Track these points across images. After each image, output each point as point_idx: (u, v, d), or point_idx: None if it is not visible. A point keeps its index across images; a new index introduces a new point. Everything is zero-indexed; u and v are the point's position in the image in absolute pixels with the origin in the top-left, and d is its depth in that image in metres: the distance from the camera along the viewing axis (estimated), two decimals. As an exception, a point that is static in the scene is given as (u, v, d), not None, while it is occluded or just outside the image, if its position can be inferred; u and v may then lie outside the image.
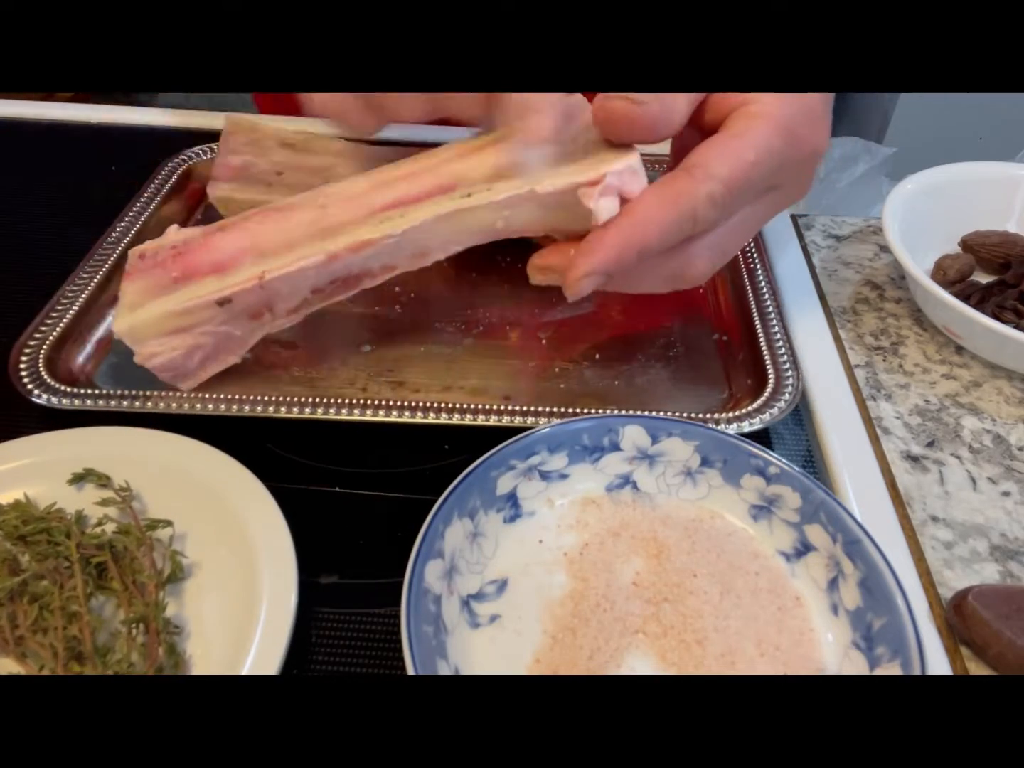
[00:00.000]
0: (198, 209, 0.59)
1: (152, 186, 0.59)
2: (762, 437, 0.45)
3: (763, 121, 0.36)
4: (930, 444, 0.46)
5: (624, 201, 0.39)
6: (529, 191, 0.40)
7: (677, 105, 0.36)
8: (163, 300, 0.43)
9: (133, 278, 0.44)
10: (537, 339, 0.50)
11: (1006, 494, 0.44)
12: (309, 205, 0.44)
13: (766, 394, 0.45)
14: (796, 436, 0.46)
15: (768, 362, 0.47)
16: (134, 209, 0.56)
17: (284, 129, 0.58)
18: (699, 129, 0.39)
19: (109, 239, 0.53)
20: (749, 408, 0.44)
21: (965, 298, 0.53)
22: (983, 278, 0.57)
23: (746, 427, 0.43)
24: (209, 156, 0.62)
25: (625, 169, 0.39)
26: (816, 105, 0.39)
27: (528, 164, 0.41)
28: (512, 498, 0.38)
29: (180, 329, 0.43)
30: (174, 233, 0.45)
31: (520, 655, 0.34)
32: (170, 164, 0.61)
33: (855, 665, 0.34)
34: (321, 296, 0.44)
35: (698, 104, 0.38)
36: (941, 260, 0.57)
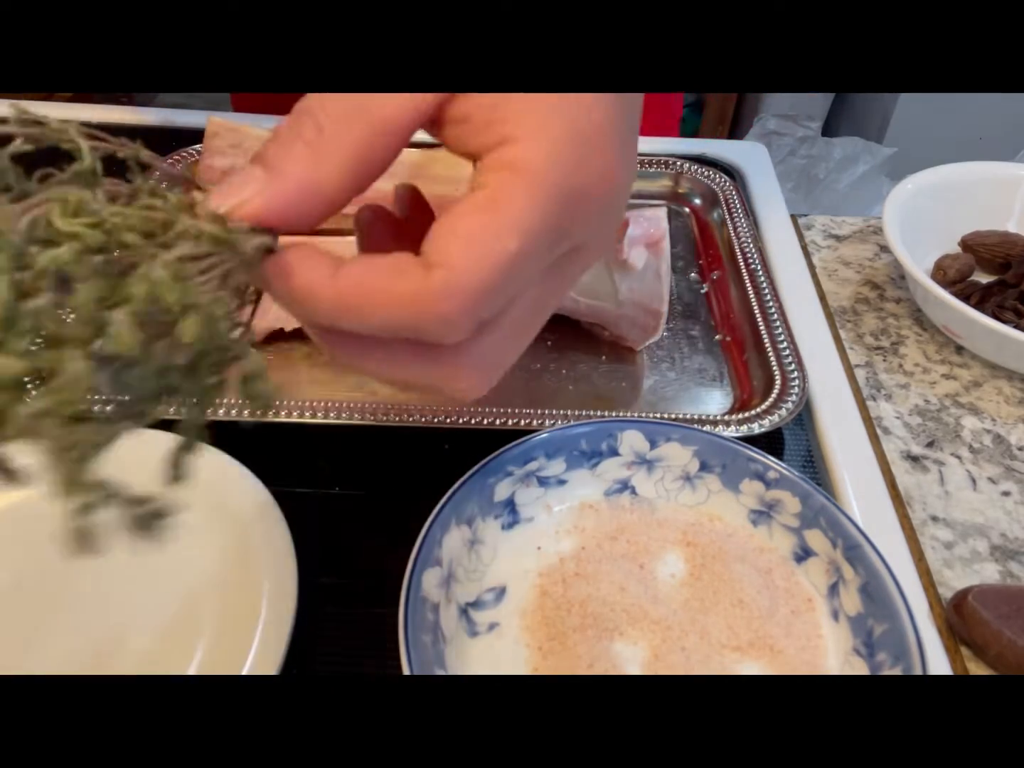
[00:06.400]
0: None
1: None
2: (771, 437, 0.45)
3: (525, 180, 0.24)
4: (930, 444, 0.46)
5: (651, 247, 0.44)
6: None
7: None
8: None
9: None
10: (543, 341, 0.50)
11: (1006, 494, 0.44)
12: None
13: (774, 395, 0.45)
14: (796, 436, 0.46)
15: (774, 363, 0.47)
16: None
17: (266, 131, 0.58)
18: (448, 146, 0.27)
19: None
20: (758, 410, 0.44)
21: (965, 298, 0.53)
22: (983, 278, 0.57)
23: (756, 428, 0.43)
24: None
25: (651, 218, 0.44)
26: (596, 123, 0.25)
27: None
28: (510, 504, 0.38)
29: None
30: None
31: (519, 663, 0.34)
32: (165, 164, 0.61)
33: (856, 671, 0.33)
34: None
35: (432, 118, 0.25)
36: (941, 260, 0.57)
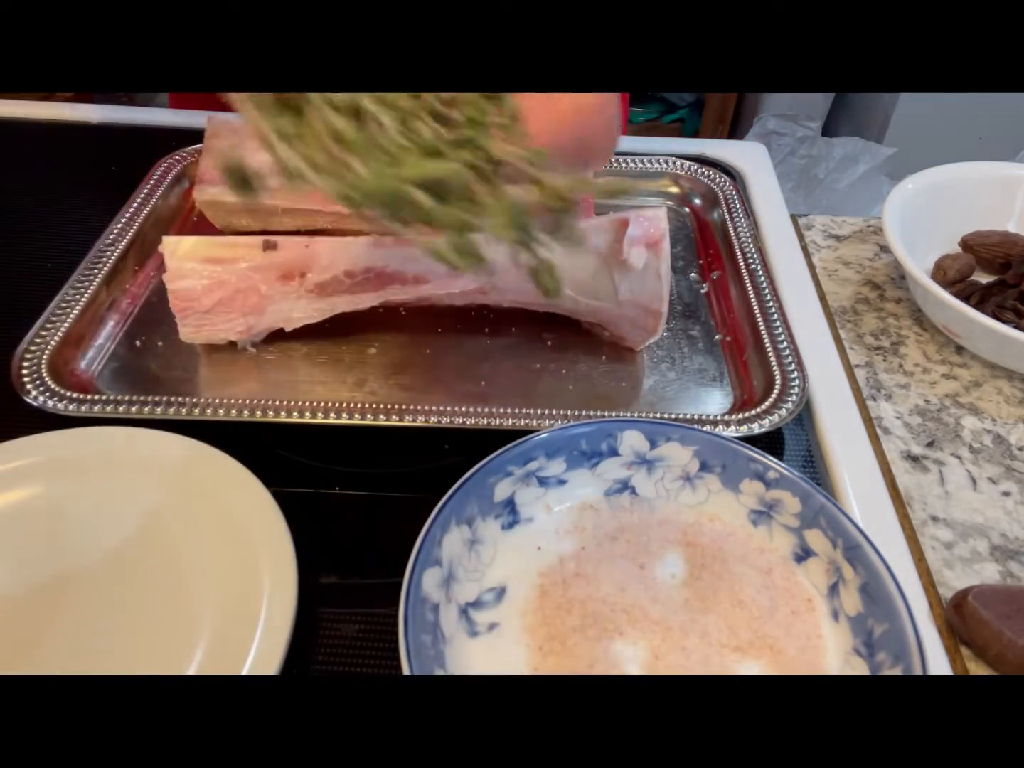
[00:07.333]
0: (193, 211, 0.59)
1: (147, 187, 0.58)
2: (771, 437, 0.45)
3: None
4: (930, 444, 0.46)
5: (651, 247, 0.44)
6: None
7: None
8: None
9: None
10: (543, 341, 0.50)
11: (1006, 494, 0.44)
12: None
13: (774, 395, 0.45)
14: (796, 436, 0.46)
15: (774, 363, 0.47)
16: (130, 210, 0.56)
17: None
18: None
19: (106, 241, 0.53)
20: (758, 410, 0.44)
21: (965, 298, 0.53)
22: (983, 278, 0.57)
23: (756, 428, 0.43)
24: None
25: (651, 218, 0.44)
26: None
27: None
28: (510, 504, 0.38)
29: (218, 259, 0.45)
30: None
31: (519, 663, 0.34)
32: (164, 164, 0.61)
33: (856, 671, 0.33)
34: (350, 284, 0.46)
35: None
36: (941, 260, 0.57)
